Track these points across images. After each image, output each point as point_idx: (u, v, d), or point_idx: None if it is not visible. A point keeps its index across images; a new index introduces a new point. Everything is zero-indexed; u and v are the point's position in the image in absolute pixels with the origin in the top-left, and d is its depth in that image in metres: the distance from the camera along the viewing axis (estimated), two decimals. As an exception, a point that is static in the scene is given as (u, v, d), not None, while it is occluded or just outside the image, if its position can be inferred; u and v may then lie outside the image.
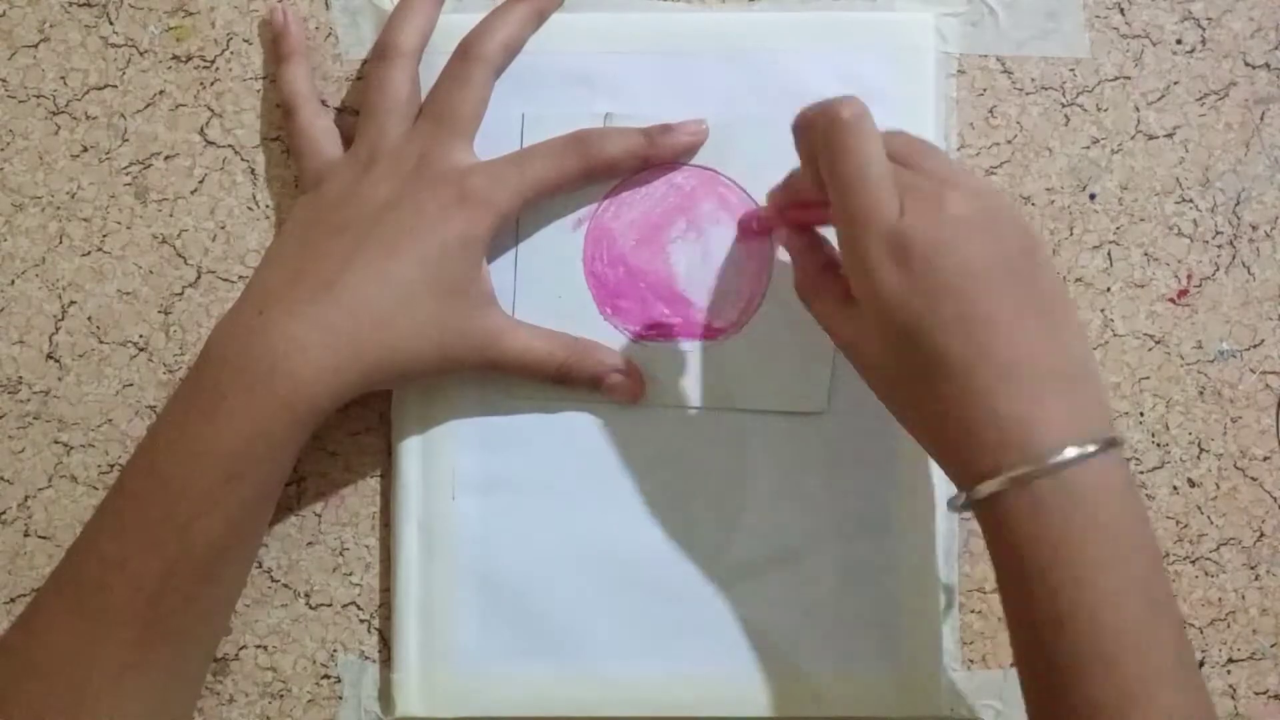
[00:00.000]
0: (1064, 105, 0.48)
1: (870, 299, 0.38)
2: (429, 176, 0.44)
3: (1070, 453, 0.36)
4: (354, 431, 0.48)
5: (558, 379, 0.46)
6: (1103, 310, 0.48)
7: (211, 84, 0.49)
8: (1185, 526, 0.48)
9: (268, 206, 0.49)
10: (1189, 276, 0.48)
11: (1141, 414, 0.48)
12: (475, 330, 0.44)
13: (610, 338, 0.47)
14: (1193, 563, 0.48)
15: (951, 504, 0.39)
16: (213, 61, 0.49)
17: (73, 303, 0.49)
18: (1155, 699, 0.35)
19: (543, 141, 0.46)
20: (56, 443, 0.49)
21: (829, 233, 0.42)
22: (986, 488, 0.37)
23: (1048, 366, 0.37)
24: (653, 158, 0.47)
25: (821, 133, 0.39)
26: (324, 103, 0.49)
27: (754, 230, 0.47)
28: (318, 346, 0.41)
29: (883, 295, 0.38)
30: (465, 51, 0.46)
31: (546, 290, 0.47)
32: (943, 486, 0.47)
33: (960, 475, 0.38)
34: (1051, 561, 0.36)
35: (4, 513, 0.49)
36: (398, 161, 0.45)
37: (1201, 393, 0.48)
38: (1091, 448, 0.36)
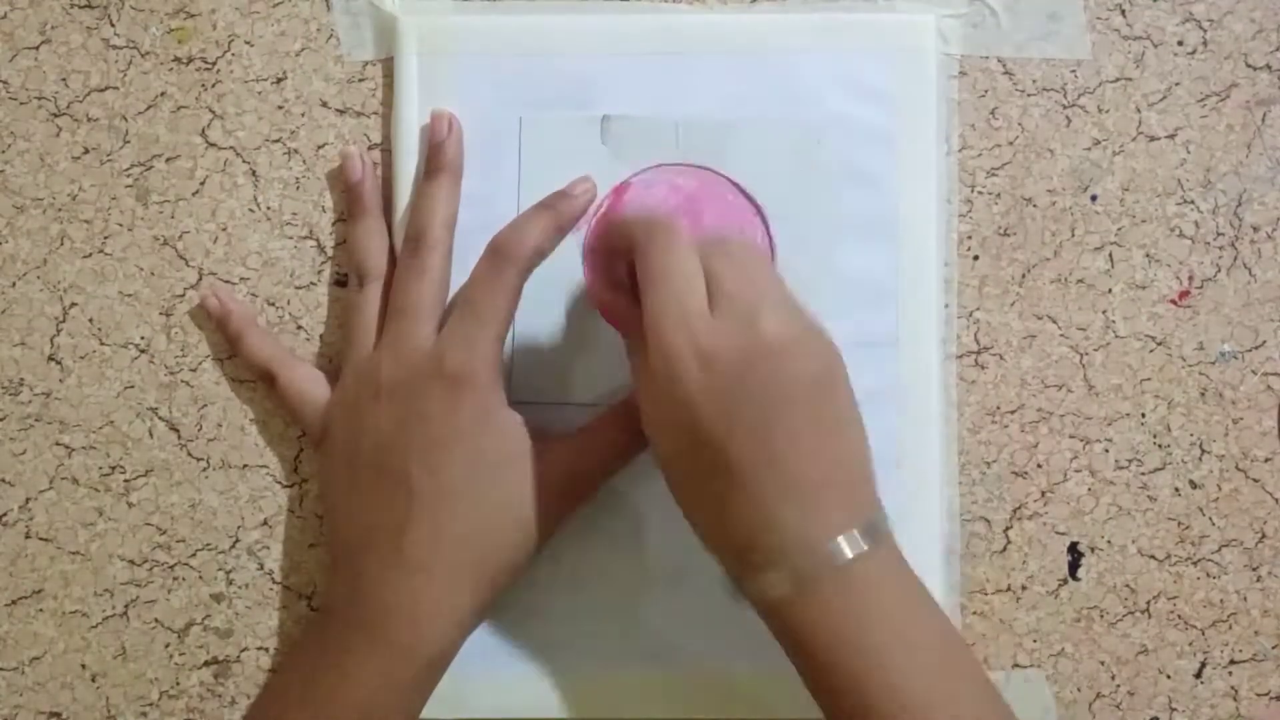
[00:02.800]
0: (1065, 107, 0.48)
1: (667, 392, 0.39)
2: (411, 380, 0.44)
3: (849, 553, 0.38)
4: (355, 433, 0.48)
5: (645, 445, 0.45)
6: (1104, 312, 0.48)
7: (213, 86, 0.49)
8: (1187, 528, 0.48)
9: (269, 209, 0.49)
10: (1190, 278, 0.48)
11: (1143, 415, 0.48)
12: (548, 481, 0.44)
13: (612, 340, 0.47)
14: (1194, 564, 0.48)
15: (730, 595, 0.40)
16: (214, 63, 0.49)
17: (74, 304, 0.49)
18: None
19: (471, 274, 0.45)
20: (58, 444, 0.49)
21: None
22: (773, 589, 0.38)
23: (830, 477, 0.39)
24: (565, 226, 0.46)
25: (640, 230, 0.40)
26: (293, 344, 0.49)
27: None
28: (422, 590, 0.42)
29: (680, 392, 0.38)
30: (417, 244, 0.46)
31: (548, 295, 0.47)
32: (943, 487, 0.47)
33: (742, 574, 0.40)
34: (843, 650, 0.38)
35: (5, 514, 0.49)
36: (376, 377, 0.44)
37: (1203, 394, 0.48)
38: (866, 544, 0.38)
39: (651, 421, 0.40)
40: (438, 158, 0.47)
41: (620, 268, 0.44)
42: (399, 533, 0.42)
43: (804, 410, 0.39)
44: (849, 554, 0.38)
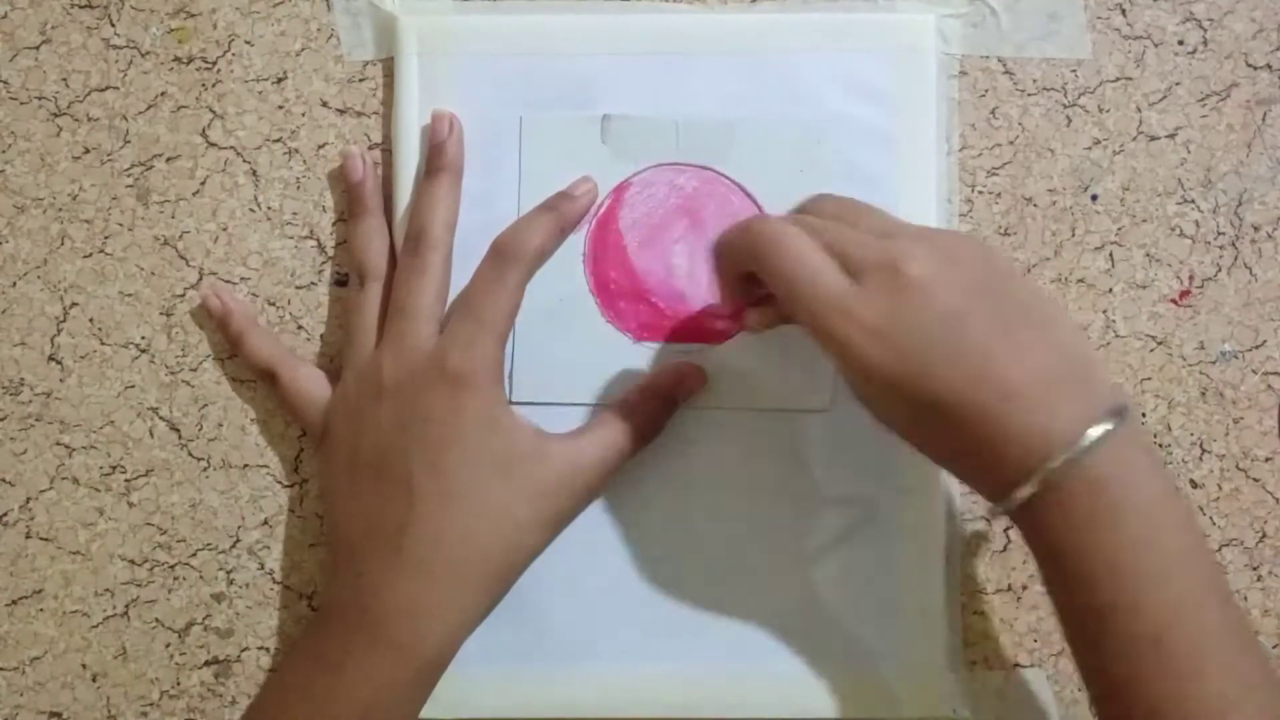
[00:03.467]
0: (1066, 106, 0.48)
1: (863, 379, 0.38)
2: (413, 380, 0.44)
3: (1085, 440, 0.36)
4: (356, 433, 0.48)
5: (647, 440, 0.46)
6: (1104, 311, 0.48)
7: (213, 85, 0.49)
8: (1187, 528, 0.48)
9: (269, 208, 0.49)
10: (1191, 277, 0.48)
11: (1144, 415, 0.48)
12: (550, 482, 0.44)
13: (612, 340, 0.47)
14: (1195, 564, 0.48)
15: (991, 513, 0.39)
16: (214, 63, 0.49)
17: (74, 304, 0.49)
18: (1206, 675, 0.35)
19: (474, 275, 0.45)
20: (58, 444, 0.49)
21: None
22: (1019, 495, 0.37)
23: (1047, 372, 0.37)
24: (567, 227, 0.47)
25: (748, 249, 0.40)
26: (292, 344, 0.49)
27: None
28: (422, 591, 0.42)
29: (874, 375, 0.38)
30: (417, 244, 0.46)
31: (548, 294, 0.47)
32: (943, 487, 0.47)
33: (990, 493, 0.39)
34: (1083, 550, 0.36)
35: (5, 514, 0.49)
36: (378, 377, 0.44)
37: (1203, 394, 0.48)
38: (1101, 429, 0.36)
39: (868, 406, 0.40)
40: (438, 158, 0.47)
41: (749, 289, 0.43)
42: (400, 533, 0.42)
43: (986, 321, 0.37)
44: (1088, 438, 0.36)
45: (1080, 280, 0.48)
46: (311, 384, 0.47)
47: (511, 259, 0.45)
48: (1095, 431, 0.36)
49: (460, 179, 0.47)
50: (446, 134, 0.47)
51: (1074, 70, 0.49)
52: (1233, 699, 0.36)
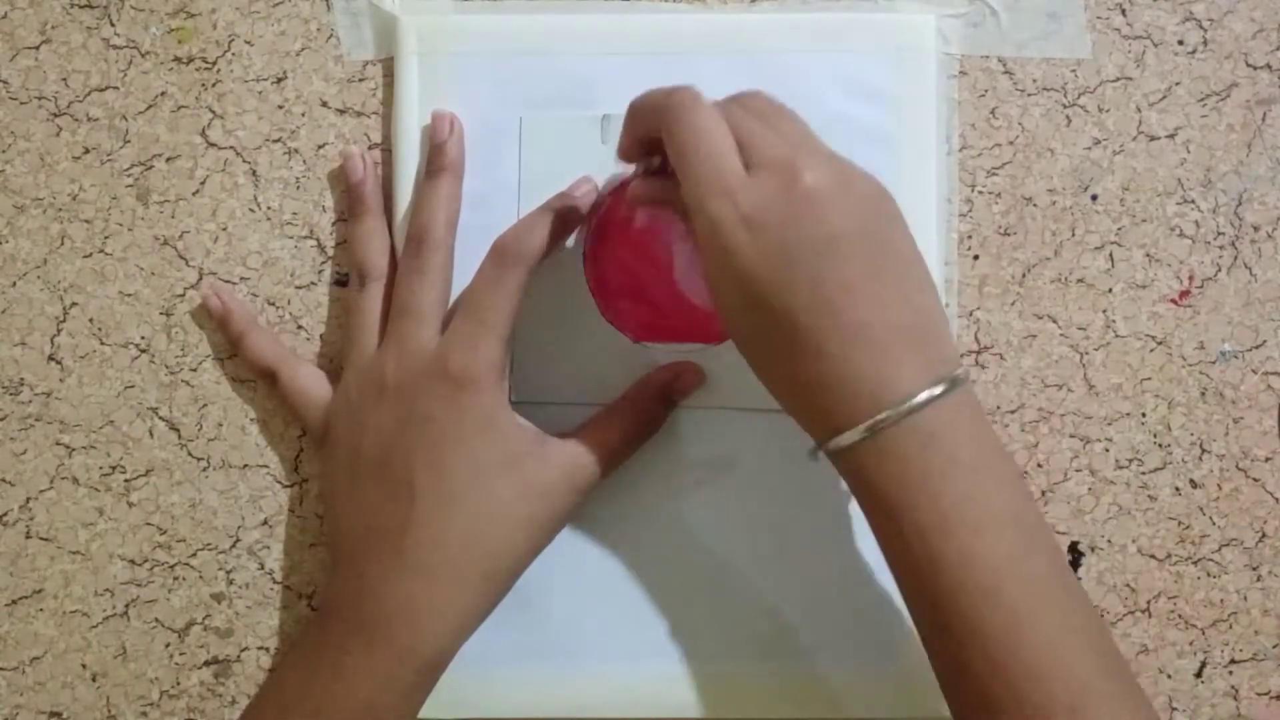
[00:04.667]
0: (1065, 106, 0.48)
1: (721, 263, 0.39)
2: (415, 381, 0.44)
3: (920, 397, 0.37)
4: (355, 433, 0.48)
5: (644, 439, 0.46)
6: (1104, 311, 0.48)
7: (213, 85, 0.49)
8: (1187, 528, 0.48)
9: (269, 208, 0.49)
10: (1190, 277, 0.48)
11: (1143, 415, 0.48)
12: (549, 483, 0.44)
13: (612, 340, 0.47)
14: (1195, 564, 0.48)
15: (810, 454, 0.40)
16: (214, 63, 0.49)
17: (74, 304, 0.49)
18: (1039, 621, 0.36)
19: (475, 276, 0.45)
20: (58, 444, 0.49)
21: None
22: (845, 439, 0.38)
23: (898, 324, 0.38)
24: (568, 228, 0.47)
25: (659, 109, 0.40)
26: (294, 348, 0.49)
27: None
28: (422, 591, 0.42)
29: (734, 262, 0.38)
30: (420, 244, 0.45)
31: (548, 295, 0.47)
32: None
33: (816, 429, 0.39)
34: (915, 503, 0.37)
35: (5, 514, 0.49)
36: (380, 377, 0.44)
37: (1203, 394, 0.48)
38: (939, 389, 0.37)
39: (715, 295, 0.40)
40: (439, 158, 0.47)
41: (653, 159, 0.44)
42: (401, 533, 0.42)
43: (859, 258, 0.38)
44: (920, 398, 0.37)
45: (1080, 280, 0.48)
46: (312, 384, 0.47)
47: (513, 259, 0.45)
48: (932, 391, 0.37)
49: (461, 179, 0.47)
50: (447, 134, 0.47)
51: (1074, 70, 0.49)
52: (1065, 642, 0.36)
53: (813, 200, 0.38)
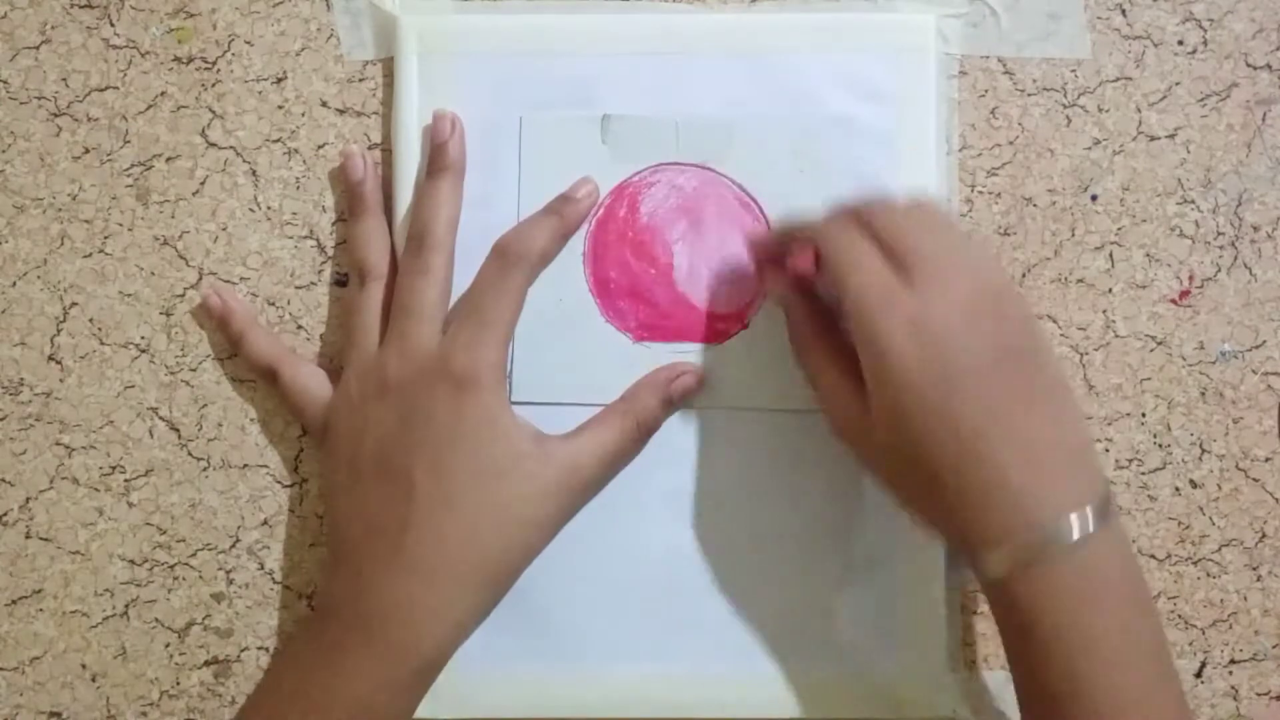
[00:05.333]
0: (1065, 106, 0.48)
1: (883, 375, 0.39)
2: (416, 380, 0.44)
3: (1076, 526, 0.37)
4: (355, 433, 0.48)
5: (643, 439, 0.46)
6: (1104, 311, 0.48)
7: (213, 85, 0.49)
8: (1187, 528, 0.48)
9: (269, 208, 0.49)
10: (1190, 277, 0.48)
11: (1143, 415, 0.48)
12: (548, 482, 0.44)
13: (611, 341, 0.47)
14: (1194, 564, 0.48)
15: (959, 574, 0.40)
16: (214, 63, 0.49)
17: (74, 304, 0.49)
18: None
19: (477, 276, 0.45)
20: (58, 444, 0.49)
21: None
22: (997, 561, 0.38)
23: (1059, 442, 0.38)
24: (570, 230, 0.47)
25: (813, 232, 0.41)
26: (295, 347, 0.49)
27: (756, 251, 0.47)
28: (420, 591, 0.42)
29: (897, 374, 0.39)
30: (420, 245, 0.46)
31: (548, 294, 0.47)
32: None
33: (968, 546, 0.39)
34: (1062, 627, 0.37)
35: (5, 514, 0.49)
36: (381, 376, 0.44)
37: (1203, 394, 0.48)
38: (1092, 519, 0.37)
39: (876, 403, 0.40)
40: (440, 158, 0.47)
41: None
42: (400, 532, 0.42)
43: (1025, 373, 0.39)
44: (1077, 533, 0.37)
45: (1080, 280, 0.48)
46: (313, 382, 0.47)
47: (515, 260, 0.45)
48: (1079, 522, 0.37)
49: (462, 179, 0.47)
50: (449, 134, 0.47)
51: (1074, 70, 0.49)
52: None
53: (966, 311, 0.38)
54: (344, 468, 0.45)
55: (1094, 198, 0.48)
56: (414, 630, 0.42)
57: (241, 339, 0.48)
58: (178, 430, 0.49)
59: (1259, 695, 0.47)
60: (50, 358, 0.49)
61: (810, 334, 0.44)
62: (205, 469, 0.48)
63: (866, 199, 0.42)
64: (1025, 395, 0.38)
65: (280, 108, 0.49)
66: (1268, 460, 0.48)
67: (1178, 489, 0.48)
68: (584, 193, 0.47)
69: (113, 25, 0.49)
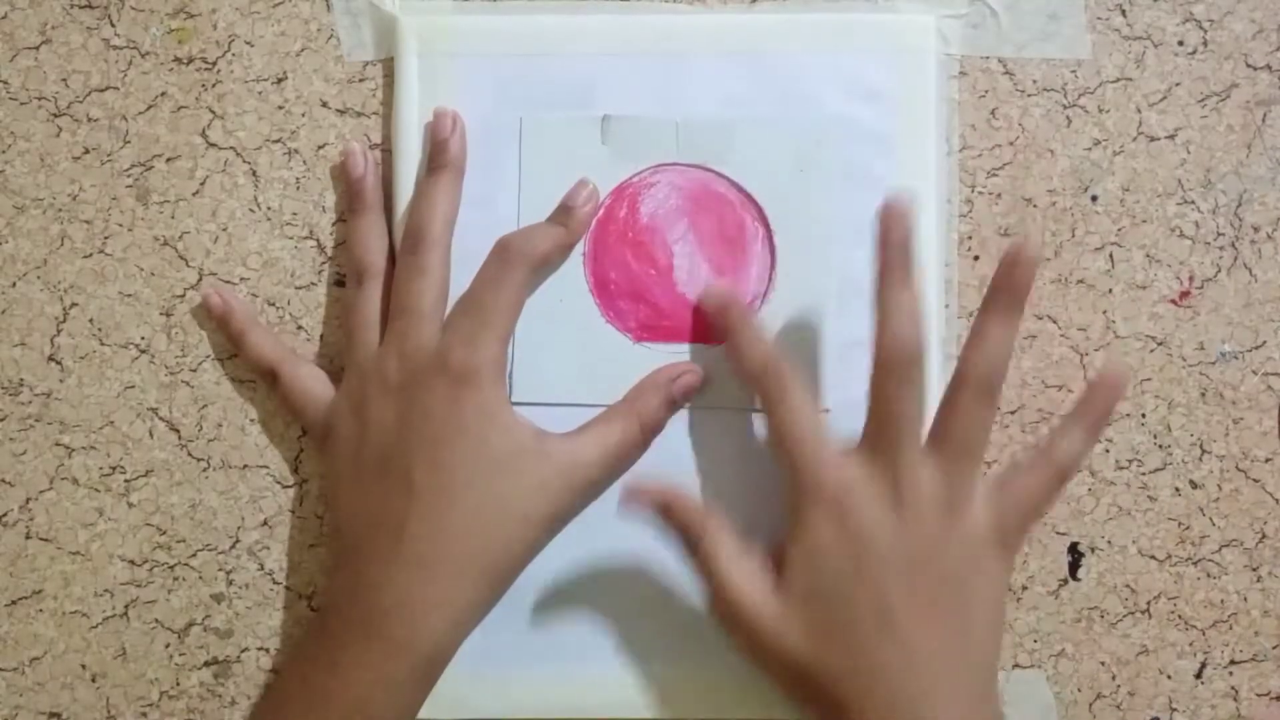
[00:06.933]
0: (1065, 107, 0.48)
1: (800, 541, 0.41)
2: (416, 378, 0.44)
3: None
4: (355, 433, 0.48)
5: (647, 439, 0.46)
6: (1104, 312, 0.48)
7: (213, 86, 0.49)
8: (1187, 528, 0.48)
9: (269, 209, 0.49)
10: (1190, 278, 0.48)
11: (1143, 415, 0.48)
12: (548, 479, 0.44)
13: (611, 341, 0.47)
14: (1194, 564, 0.48)
15: None
16: (214, 63, 0.49)
17: (74, 304, 0.49)
18: None
19: (478, 273, 0.45)
20: (58, 445, 0.49)
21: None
22: None
23: (952, 658, 0.40)
24: (574, 241, 0.47)
25: (759, 376, 0.42)
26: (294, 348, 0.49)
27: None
28: (420, 586, 0.42)
29: (813, 548, 0.41)
30: (416, 243, 0.45)
31: (548, 295, 0.47)
32: (944, 488, 0.47)
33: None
34: None
35: (5, 515, 0.49)
36: (382, 376, 0.44)
37: (1203, 394, 0.48)
38: None
39: (791, 576, 0.41)
40: (441, 155, 0.47)
41: None
42: (400, 528, 0.42)
43: (916, 591, 0.40)
44: None
45: (1080, 281, 0.48)
46: (313, 383, 0.47)
47: (515, 259, 0.45)
48: None
49: (461, 177, 0.47)
50: (449, 132, 0.47)
51: (1074, 71, 0.49)
52: None
53: (916, 520, 0.40)
54: (345, 468, 0.45)
55: (1094, 198, 0.48)
56: (413, 626, 0.42)
57: (242, 339, 0.48)
58: (178, 431, 0.49)
59: (1259, 696, 0.47)
60: (50, 358, 0.49)
61: (699, 514, 0.43)
62: (205, 469, 0.48)
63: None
64: (929, 605, 0.40)
65: (280, 108, 0.49)
66: (1268, 461, 0.48)
67: (1178, 489, 0.48)
68: (584, 198, 0.47)
69: (113, 25, 0.49)
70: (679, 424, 0.47)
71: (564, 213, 0.47)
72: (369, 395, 0.45)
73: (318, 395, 0.47)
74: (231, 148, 0.49)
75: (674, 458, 0.47)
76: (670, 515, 0.43)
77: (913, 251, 0.41)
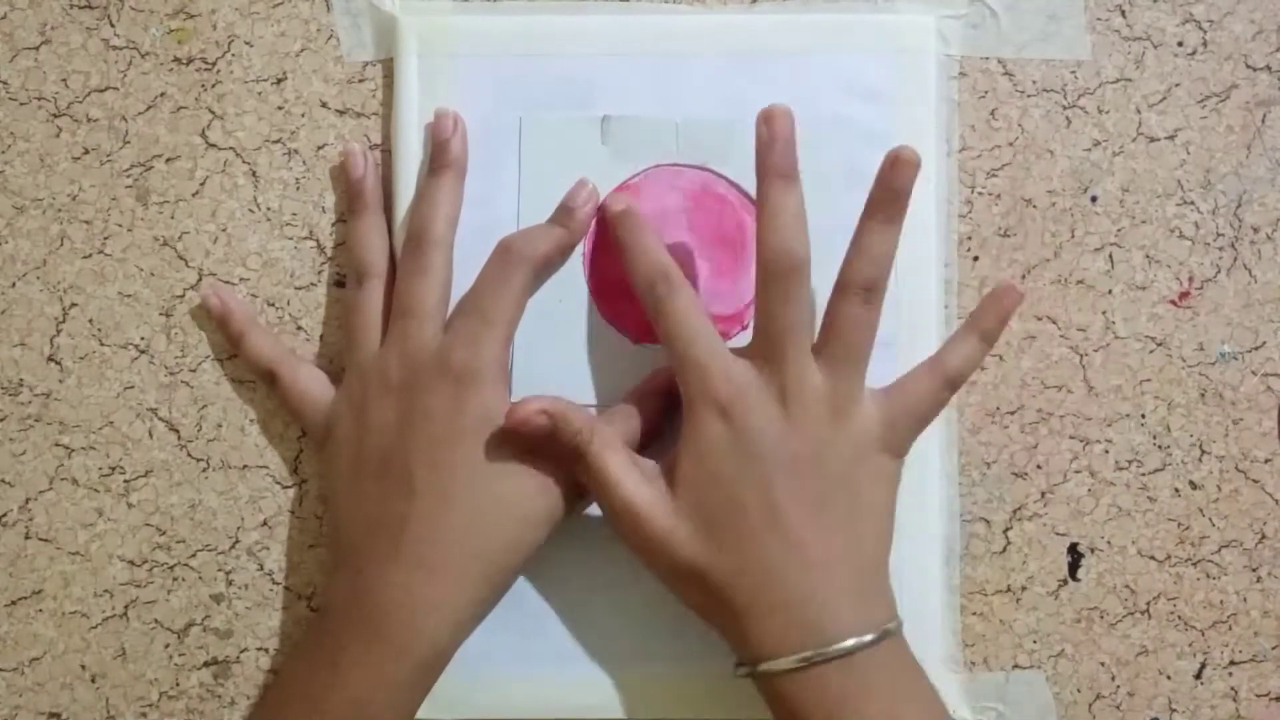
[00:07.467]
0: (1065, 107, 0.48)
1: (692, 442, 0.42)
2: (417, 379, 0.44)
3: (849, 643, 0.40)
4: (355, 434, 0.48)
5: (646, 444, 0.46)
6: (1104, 313, 0.48)
7: (213, 86, 0.49)
8: (1187, 529, 0.48)
9: (269, 209, 0.49)
10: (1190, 279, 0.48)
11: (1143, 416, 0.48)
12: (550, 480, 0.44)
13: (611, 341, 0.47)
14: (1194, 565, 0.48)
15: (734, 671, 0.42)
16: (214, 64, 0.49)
17: (74, 305, 0.49)
18: None
19: (480, 275, 0.46)
20: (57, 445, 0.49)
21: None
22: (774, 666, 0.40)
23: (841, 557, 0.41)
24: (575, 242, 0.47)
25: (651, 284, 0.43)
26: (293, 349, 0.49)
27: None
28: (420, 587, 0.42)
29: (703, 443, 0.41)
30: (419, 242, 0.45)
31: (548, 296, 0.47)
32: (943, 488, 0.47)
33: (745, 647, 0.41)
34: None
35: (5, 515, 0.49)
36: (383, 377, 0.44)
37: (1203, 395, 0.48)
38: (869, 637, 0.40)
39: (677, 477, 0.42)
40: (442, 155, 0.47)
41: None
42: (400, 529, 0.42)
43: (806, 484, 0.41)
44: (849, 644, 0.40)
45: (1080, 282, 0.48)
46: (313, 384, 0.47)
47: (517, 259, 0.45)
48: (855, 641, 0.40)
49: (463, 178, 0.47)
50: (450, 132, 0.47)
51: (1073, 71, 0.49)
52: None
53: (803, 420, 0.41)
54: (346, 469, 0.45)
55: (1094, 199, 0.48)
56: (412, 627, 0.42)
57: (241, 340, 0.48)
58: (177, 431, 0.49)
59: (1258, 696, 0.47)
60: (50, 358, 0.49)
61: (585, 423, 0.44)
62: (205, 470, 0.48)
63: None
64: (814, 505, 0.41)
65: (280, 108, 0.49)
66: (1267, 461, 0.48)
67: (1177, 490, 0.48)
68: (584, 198, 0.47)
69: (113, 26, 0.49)
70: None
71: (564, 214, 0.47)
72: (370, 396, 0.45)
73: (317, 396, 0.47)
74: (231, 148, 0.49)
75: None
76: (556, 427, 0.42)
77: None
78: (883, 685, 0.40)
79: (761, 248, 0.42)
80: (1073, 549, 0.48)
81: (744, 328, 0.47)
